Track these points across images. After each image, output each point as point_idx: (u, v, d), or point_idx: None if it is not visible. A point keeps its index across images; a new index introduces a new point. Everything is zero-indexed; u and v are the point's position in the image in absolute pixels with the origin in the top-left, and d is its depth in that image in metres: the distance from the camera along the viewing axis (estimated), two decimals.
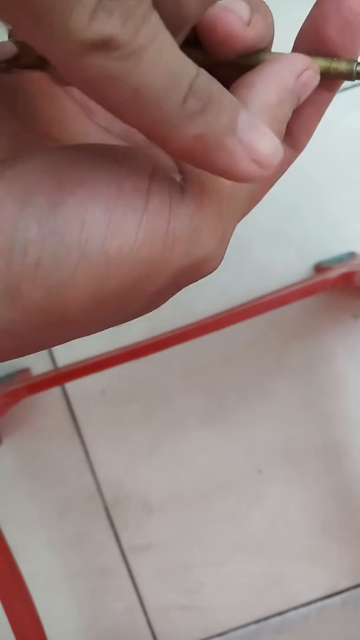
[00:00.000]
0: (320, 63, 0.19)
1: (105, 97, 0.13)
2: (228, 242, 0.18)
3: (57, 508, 0.69)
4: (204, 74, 0.14)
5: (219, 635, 0.68)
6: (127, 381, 0.69)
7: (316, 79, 0.18)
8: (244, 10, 0.17)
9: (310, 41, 0.19)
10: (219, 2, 0.17)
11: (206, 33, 0.17)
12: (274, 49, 0.19)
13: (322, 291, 0.65)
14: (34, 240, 0.14)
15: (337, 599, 0.68)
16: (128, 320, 0.18)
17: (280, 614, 0.68)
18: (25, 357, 0.69)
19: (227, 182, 0.17)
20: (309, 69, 0.18)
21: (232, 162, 0.15)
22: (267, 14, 0.18)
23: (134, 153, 0.16)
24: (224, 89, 0.15)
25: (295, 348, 0.69)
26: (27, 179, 0.15)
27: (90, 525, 0.69)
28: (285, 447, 0.68)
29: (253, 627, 0.68)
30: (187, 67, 0.14)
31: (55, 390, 0.69)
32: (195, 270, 0.17)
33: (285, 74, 0.17)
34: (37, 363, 0.69)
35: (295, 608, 0.68)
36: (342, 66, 0.19)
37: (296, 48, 0.19)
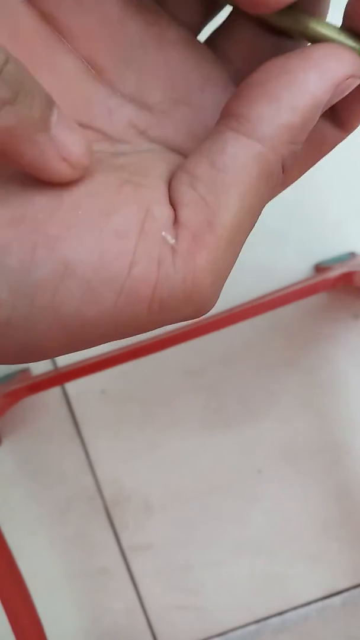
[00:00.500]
0: None
1: None
2: (224, 284, 0.16)
3: (57, 508, 0.69)
4: (15, 61, 0.13)
5: (219, 635, 0.68)
6: (127, 381, 0.69)
7: (358, 82, 0.16)
8: None
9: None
10: None
11: None
12: None
13: (322, 291, 0.65)
14: (5, 300, 0.14)
15: (337, 599, 0.68)
16: None
17: (280, 614, 0.68)
18: None
19: (224, 234, 0.15)
20: (355, 76, 0.15)
21: (43, 160, 0.14)
22: None
23: (124, 200, 0.15)
24: (37, 81, 0.13)
25: (295, 348, 0.69)
26: (1, 233, 0.14)
27: (90, 525, 0.69)
28: (285, 447, 0.68)
29: (253, 627, 0.68)
30: None
31: (55, 390, 0.69)
32: (185, 318, 0.16)
33: (322, 84, 0.15)
34: (37, 363, 0.69)
35: (295, 608, 0.68)
36: None
37: (347, 18, 0.16)
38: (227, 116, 0.15)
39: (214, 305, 0.16)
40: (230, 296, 0.67)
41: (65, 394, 0.69)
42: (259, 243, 0.68)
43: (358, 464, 0.68)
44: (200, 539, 0.69)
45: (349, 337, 0.69)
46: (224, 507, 0.69)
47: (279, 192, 0.18)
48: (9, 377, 0.67)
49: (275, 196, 0.18)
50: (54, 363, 0.69)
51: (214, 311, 0.64)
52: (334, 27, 0.16)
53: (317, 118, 0.15)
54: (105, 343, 0.15)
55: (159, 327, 0.15)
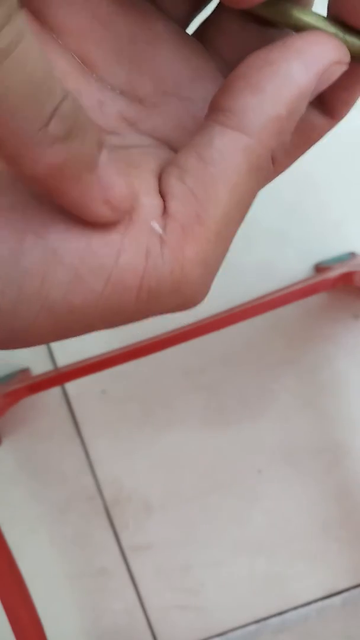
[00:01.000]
0: (354, 43, 0.16)
1: None
2: (214, 277, 0.16)
3: (57, 508, 0.69)
4: (72, 98, 0.12)
5: (219, 635, 0.68)
6: (127, 381, 0.69)
7: (343, 69, 0.16)
8: None
9: (345, 7, 0.16)
10: None
11: None
12: None
13: (322, 291, 0.65)
14: None
15: (337, 599, 0.68)
16: None
17: (280, 614, 0.68)
18: (25, 357, 0.69)
19: (213, 226, 0.15)
20: (339, 63, 0.16)
21: (85, 200, 0.13)
22: None
23: None
24: (91, 120, 0.13)
25: (295, 348, 0.69)
26: None
27: (90, 525, 0.69)
28: (285, 447, 0.68)
29: (253, 627, 0.68)
30: (54, 86, 0.12)
31: (55, 390, 0.69)
32: (174, 309, 0.16)
33: (306, 73, 0.15)
34: (37, 363, 0.69)
35: (295, 608, 0.68)
36: None
37: (331, 7, 0.16)
38: (214, 110, 0.15)
39: (204, 297, 0.16)
40: (230, 296, 0.67)
41: (65, 394, 0.69)
42: (259, 243, 0.68)
43: (358, 464, 0.68)
44: (200, 539, 0.69)
45: (349, 337, 0.69)
46: (224, 507, 0.69)
47: (270, 181, 0.18)
48: (9, 377, 0.67)
49: (265, 185, 0.18)
50: (54, 363, 0.69)
51: (214, 311, 0.64)
52: (319, 16, 0.16)
53: (304, 107, 0.15)
54: (94, 332, 0.15)
55: (147, 317, 0.15)
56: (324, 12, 0.17)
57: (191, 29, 0.19)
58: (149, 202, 0.15)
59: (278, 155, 0.16)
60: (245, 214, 0.16)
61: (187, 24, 0.19)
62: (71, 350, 0.67)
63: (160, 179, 0.16)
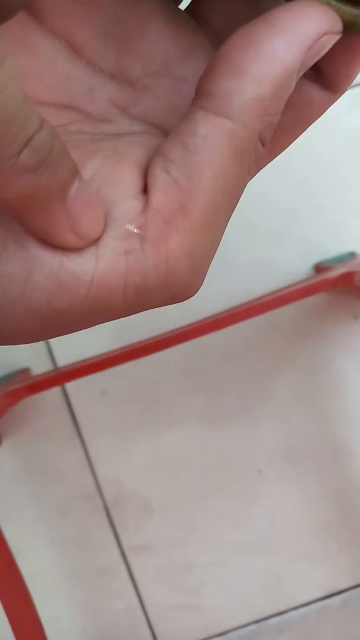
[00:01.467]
0: (347, 11, 0.15)
1: None
2: (206, 267, 0.16)
3: (57, 508, 0.69)
4: (49, 129, 0.12)
5: (219, 635, 0.68)
6: (127, 381, 0.69)
7: (334, 39, 0.15)
8: None
9: None
10: None
11: None
12: None
13: (322, 291, 0.65)
14: None
15: (337, 599, 0.68)
16: None
17: (280, 614, 0.68)
18: (25, 357, 0.69)
19: (198, 215, 0.15)
20: (330, 33, 0.15)
21: (52, 229, 0.14)
22: None
23: None
24: (66, 150, 0.13)
25: (295, 348, 0.69)
26: None
27: (90, 525, 0.69)
28: (285, 447, 0.68)
29: (253, 627, 0.68)
30: (29, 116, 0.12)
31: (55, 390, 0.69)
32: (167, 302, 0.16)
33: (290, 50, 0.14)
34: (37, 363, 0.69)
35: (295, 608, 0.68)
36: None
37: None
38: (198, 94, 0.15)
39: (197, 288, 0.16)
40: (230, 296, 0.67)
41: (65, 394, 0.69)
42: (259, 243, 0.68)
43: (358, 464, 0.68)
44: (200, 539, 0.69)
45: (349, 337, 0.69)
46: (224, 507, 0.69)
47: (267, 163, 0.18)
48: (9, 377, 0.67)
49: (262, 168, 0.17)
50: (54, 363, 0.69)
51: (214, 311, 0.64)
52: None
53: (293, 85, 0.15)
54: (87, 328, 0.16)
55: (139, 311, 0.15)
56: None
57: (184, 4, 0.19)
58: (125, 205, 0.15)
59: (266, 137, 0.15)
60: (236, 200, 0.16)
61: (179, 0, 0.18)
62: (71, 350, 0.67)
63: (147, 170, 0.15)
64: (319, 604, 0.68)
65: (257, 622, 0.68)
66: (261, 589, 0.68)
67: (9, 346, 0.72)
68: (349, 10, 0.15)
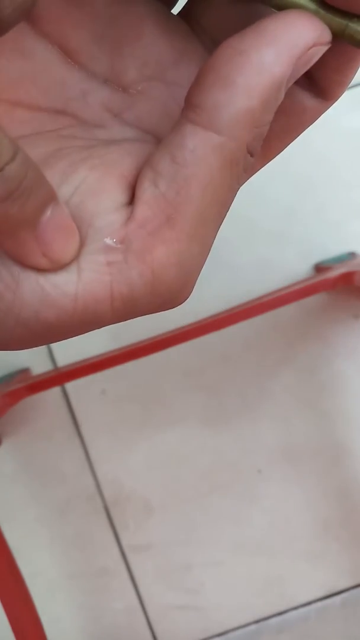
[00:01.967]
0: (337, 21, 0.15)
1: None
2: (196, 275, 0.16)
3: (57, 508, 0.69)
4: (22, 158, 0.13)
5: (219, 635, 0.68)
6: (127, 381, 0.69)
7: (323, 50, 0.15)
8: None
9: None
10: None
11: None
12: None
13: (322, 291, 0.65)
14: None
15: (337, 599, 0.68)
16: None
17: (280, 614, 0.68)
18: (25, 357, 0.69)
19: (185, 227, 0.15)
20: (318, 44, 0.15)
21: (23, 253, 0.14)
22: None
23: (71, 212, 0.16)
24: (41, 178, 0.13)
25: (295, 348, 0.69)
26: None
27: (90, 525, 0.69)
28: (285, 447, 0.68)
29: (253, 627, 0.68)
30: (1, 149, 0.12)
31: (55, 390, 0.69)
32: (157, 309, 0.16)
33: (279, 61, 0.14)
34: (37, 363, 0.69)
35: (295, 608, 0.68)
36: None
37: None
38: (187, 106, 0.15)
39: (187, 296, 0.16)
40: (230, 296, 0.67)
41: (65, 394, 0.69)
42: (259, 243, 0.68)
43: (358, 464, 0.68)
44: (200, 539, 0.69)
45: (349, 337, 0.69)
46: (224, 507, 0.69)
47: (259, 168, 0.18)
48: (9, 377, 0.67)
49: (254, 174, 0.17)
50: (54, 363, 0.69)
51: (214, 311, 0.64)
52: None
53: (282, 96, 0.15)
54: (80, 335, 0.16)
55: (129, 319, 0.16)
56: None
57: (177, 8, 0.19)
58: (106, 219, 0.15)
59: (255, 147, 0.15)
60: (226, 209, 0.16)
61: (172, 4, 0.18)
62: (71, 350, 0.67)
63: (136, 181, 0.16)
64: (319, 604, 0.68)
65: (257, 622, 0.68)
66: (261, 589, 0.68)
67: None
68: (337, 20, 0.15)
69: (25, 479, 0.69)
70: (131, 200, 0.15)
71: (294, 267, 0.68)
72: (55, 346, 0.69)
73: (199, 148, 0.14)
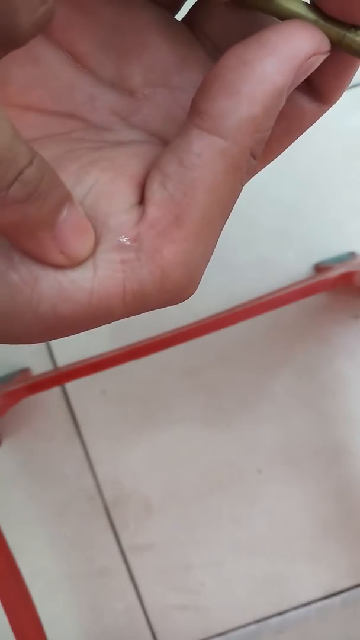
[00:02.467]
0: (335, 30, 0.16)
1: None
2: (201, 273, 0.17)
3: (57, 508, 0.69)
4: (39, 162, 0.14)
5: (219, 635, 0.68)
6: (127, 381, 0.69)
7: (322, 59, 0.16)
8: None
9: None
10: None
11: None
12: None
13: (322, 291, 0.65)
14: None
15: (337, 599, 0.68)
16: None
17: (280, 614, 0.68)
18: (25, 357, 0.69)
19: (192, 227, 0.16)
20: (318, 54, 0.15)
21: (41, 251, 0.15)
22: None
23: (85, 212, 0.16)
24: (57, 180, 0.14)
25: (295, 348, 0.69)
26: None
27: (90, 525, 0.69)
28: (285, 447, 0.68)
29: (253, 627, 0.68)
30: (19, 153, 0.13)
31: (55, 390, 0.69)
32: (164, 305, 0.17)
33: (280, 71, 0.15)
34: (37, 363, 0.69)
35: (295, 608, 0.68)
36: (357, 42, 0.16)
37: None
38: (193, 111, 0.16)
39: (193, 292, 0.17)
40: (230, 296, 0.67)
41: (65, 394, 0.69)
42: (259, 243, 0.68)
43: (358, 464, 0.68)
44: (200, 539, 0.69)
45: (349, 337, 0.69)
46: (224, 507, 0.69)
47: (260, 169, 0.19)
48: (9, 377, 0.67)
49: (255, 175, 0.18)
50: (54, 363, 0.69)
51: (214, 311, 0.64)
52: (300, 2, 0.16)
53: (283, 102, 0.15)
54: (89, 330, 0.17)
55: (138, 314, 0.17)
56: None
57: (180, 15, 0.19)
58: (119, 218, 0.16)
59: (257, 151, 0.16)
60: (230, 209, 0.17)
61: (175, 11, 0.19)
62: (71, 350, 0.67)
63: (145, 183, 0.16)
64: (319, 604, 0.68)
65: (257, 622, 0.68)
66: (261, 589, 0.68)
67: (9, 346, 0.72)
68: (335, 30, 0.16)
69: (25, 479, 0.69)
70: (141, 200, 0.16)
71: (294, 267, 0.68)
72: (55, 346, 0.69)
73: (205, 152, 0.15)
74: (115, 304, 0.16)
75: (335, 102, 0.18)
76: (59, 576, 0.69)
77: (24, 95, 0.18)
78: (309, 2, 0.16)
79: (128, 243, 0.15)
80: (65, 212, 0.15)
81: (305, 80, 0.16)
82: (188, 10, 0.19)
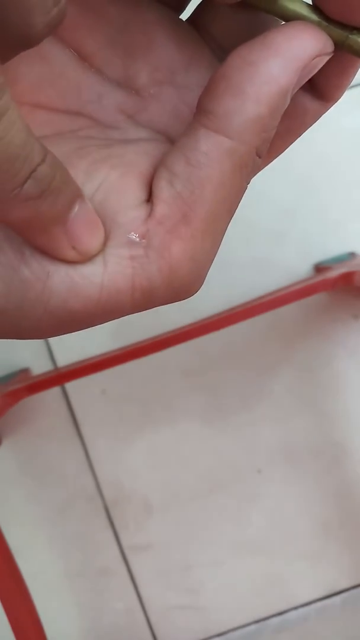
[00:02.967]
0: (338, 32, 0.16)
1: None
2: (207, 269, 0.17)
3: (57, 508, 0.69)
4: (51, 160, 0.14)
5: (219, 635, 0.68)
6: (127, 381, 0.69)
7: (325, 60, 0.16)
8: None
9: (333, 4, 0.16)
10: None
11: None
12: None
13: (322, 291, 0.65)
14: (0, 290, 0.15)
15: (337, 599, 0.68)
16: None
17: (280, 614, 0.68)
18: (25, 357, 0.69)
19: (199, 225, 0.16)
20: (321, 54, 0.16)
21: (53, 247, 0.15)
22: None
23: (95, 208, 0.16)
24: (69, 177, 0.15)
25: (295, 348, 0.69)
26: None
27: (90, 525, 0.69)
28: (285, 447, 0.68)
29: (253, 627, 0.68)
30: (32, 151, 0.13)
31: (55, 390, 0.69)
32: (171, 301, 0.17)
33: (285, 71, 0.15)
34: (37, 363, 0.69)
35: (295, 608, 0.68)
36: (359, 44, 0.16)
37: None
38: (199, 111, 0.16)
39: (198, 288, 0.18)
40: (230, 296, 0.67)
41: (65, 394, 0.69)
42: (259, 243, 0.68)
43: (358, 464, 0.68)
44: (200, 539, 0.69)
45: (349, 337, 0.69)
46: (224, 507, 0.69)
47: (263, 167, 0.19)
48: (9, 377, 0.67)
49: (254, 176, 0.18)
50: (54, 363, 0.69)
51: (214, 311, 0.64)
52: (303, 3, 0.16)
53: (288, 102, 0.16)
54: (98, 325, 0.17)
55: (146, 309, 0.17)
56: None
57: (185, 14, 0.19)
58: (129, 215, 0.16)
59: (263, 150, 0.16)
60: (235, 207, 0.17)
61: (181, 9, 0.19)
62: (71, 350, 0.67)
63: (153, 180, 0.17)
64: (319, 604, 0.68)
65: (257, 622, 0.68)
66: (261, 589, 0.68)
67: (9, 346, 0.72)
68: (338, 31, 0.16)
69: (25, 479, 0.69)
70: (149, 197, 0.16)
71: (293, 267, 0.68)
72: (55, 346, 0.69)
73: (212, 151, 0.16)
74: (124, 299, 0.16)
75: (337, 101, 0.18)
76: (59, 576, 0.69)
77: (33, 94, 0.18)
78: (311, 3, 0.17)
79: (137, 240, 0.16)
80: (76, 208, 0.15)
81: (307, 79, 0.17)
82: (193, 10, 0.19)
